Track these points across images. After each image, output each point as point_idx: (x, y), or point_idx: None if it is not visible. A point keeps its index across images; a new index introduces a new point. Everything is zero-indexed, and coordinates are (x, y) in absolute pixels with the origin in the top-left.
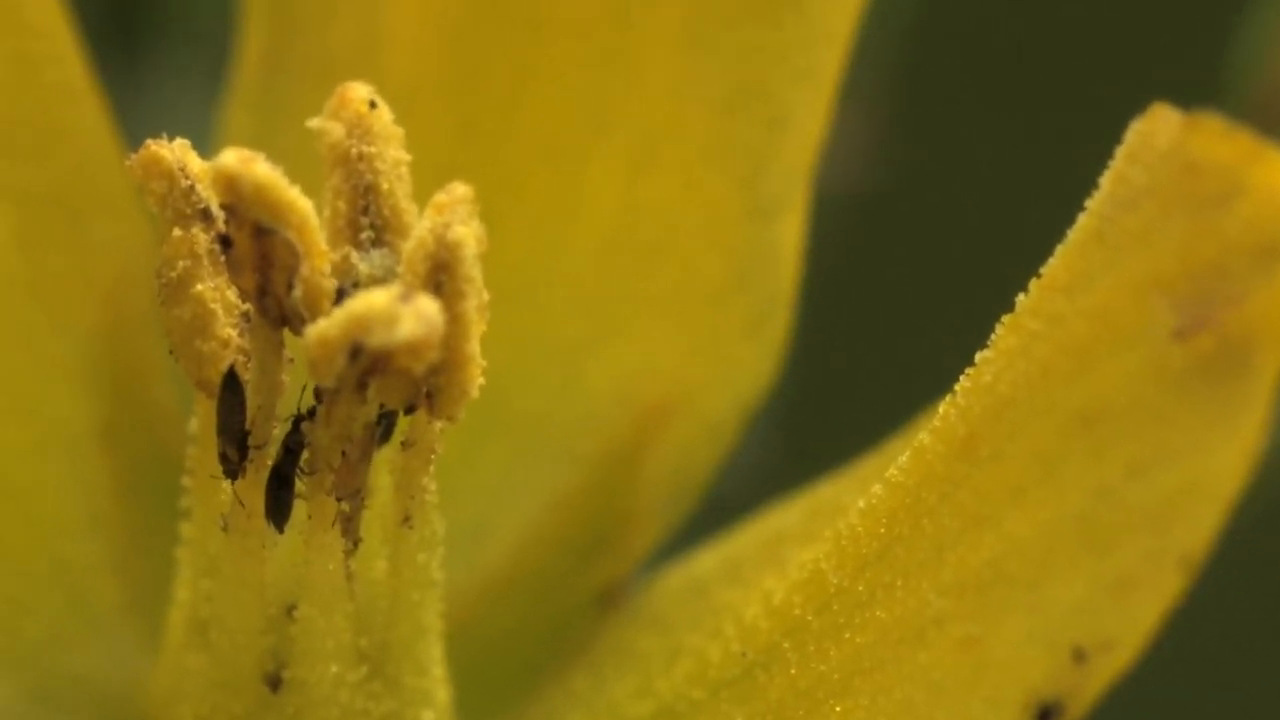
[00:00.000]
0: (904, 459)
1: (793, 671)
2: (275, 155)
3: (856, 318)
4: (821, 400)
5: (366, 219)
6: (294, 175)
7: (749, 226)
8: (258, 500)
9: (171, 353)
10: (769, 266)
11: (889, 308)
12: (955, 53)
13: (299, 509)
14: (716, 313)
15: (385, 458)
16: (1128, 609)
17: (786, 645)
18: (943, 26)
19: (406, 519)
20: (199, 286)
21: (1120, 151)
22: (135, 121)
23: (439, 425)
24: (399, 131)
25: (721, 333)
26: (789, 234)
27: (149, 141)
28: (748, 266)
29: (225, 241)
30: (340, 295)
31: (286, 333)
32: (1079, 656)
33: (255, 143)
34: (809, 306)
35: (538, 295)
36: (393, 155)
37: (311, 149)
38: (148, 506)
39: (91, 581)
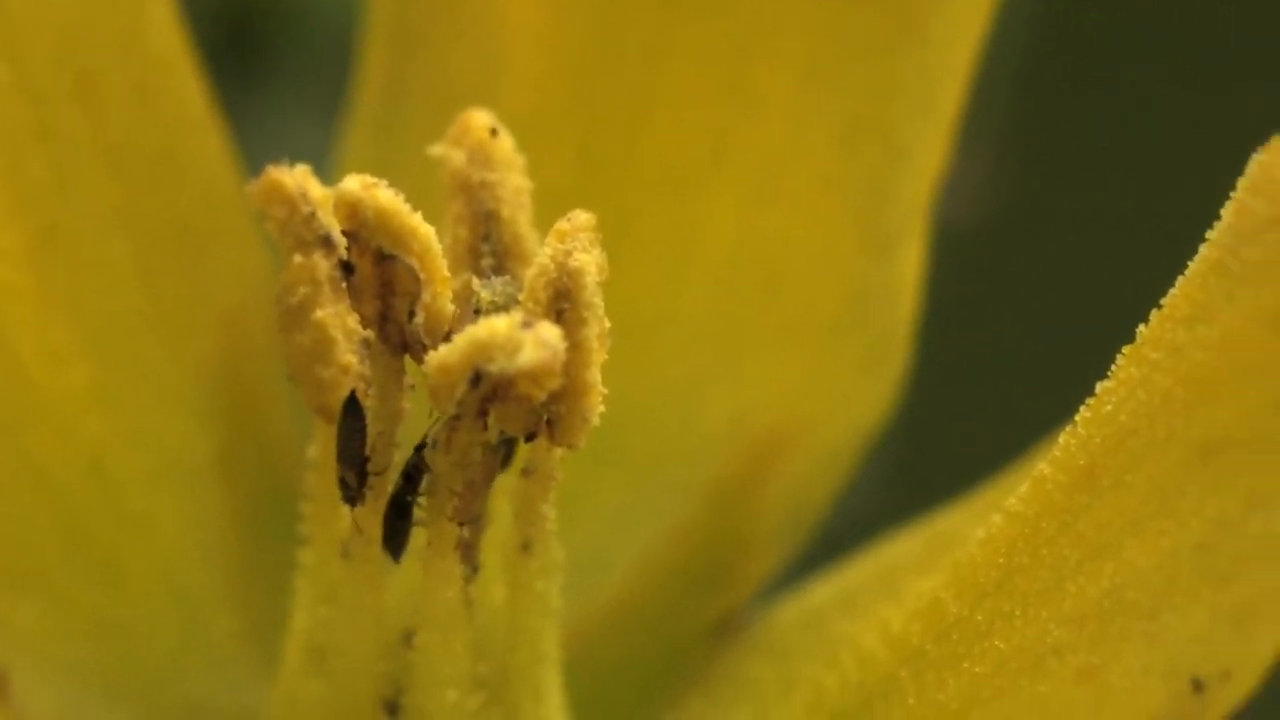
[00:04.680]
0: (1023, 489)
1: (911, 701)
2: (395, 180)
3: (973, 350)
4: (936, 432)
5: (487, 246)
6: (413, 201)
7: (866, 259)
8: (377, 527)
9: (291, 379)
10: (886, 299)
11: (1005, 340)
12: (1069, 87)
13: (418, 536)
14: (833, 345)
15: (505, 485)
16: (1247, 639)
17: (904, 674)
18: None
19: (526, 546)
20: (319, 313)
21: (1241, 183)
22: (251, 147)
23: (559, 452)
24: (520, 159)
25: (838, 365)
26: (907, 267)
27: (269, 168)
28: (865, 299)
29: (346, 268)
30: (461, 322)
31: (407, 359)
32: (1198, 687)
33: (375, 168)
34: (925, 338)
35: (655, 325)
36: (514, 182)
37: (431, 174)
38: (264, 534)
39: (207, 609)
